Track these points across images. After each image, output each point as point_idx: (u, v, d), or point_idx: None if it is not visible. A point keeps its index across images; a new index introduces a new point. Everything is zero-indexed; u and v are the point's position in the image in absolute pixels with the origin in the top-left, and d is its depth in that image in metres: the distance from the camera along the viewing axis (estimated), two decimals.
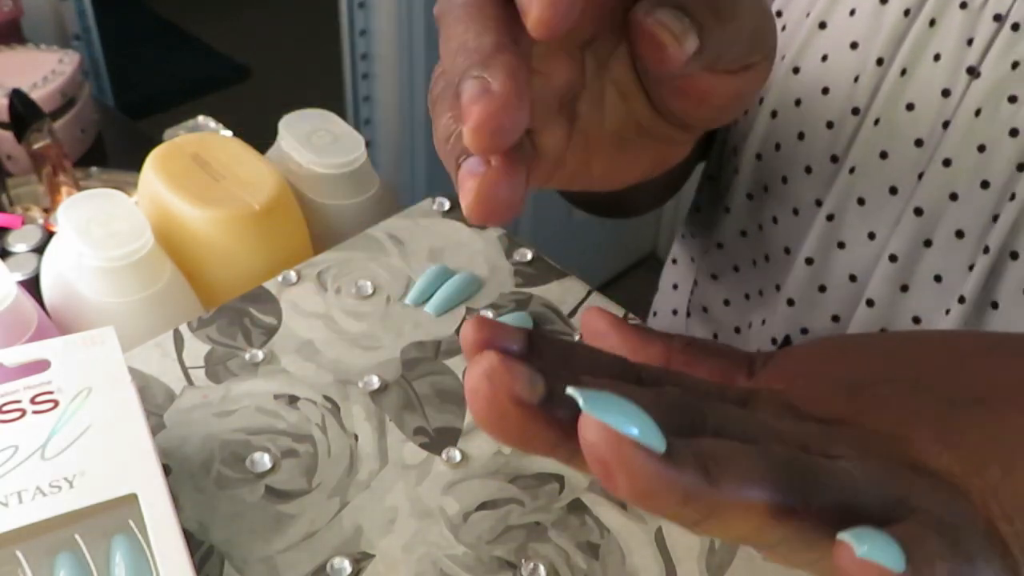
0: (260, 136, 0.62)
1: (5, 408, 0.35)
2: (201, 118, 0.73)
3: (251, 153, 0.55)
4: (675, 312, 0.68)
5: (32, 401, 0.35)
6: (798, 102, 0.52)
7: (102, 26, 1.02)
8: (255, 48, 2.47)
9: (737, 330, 0.62)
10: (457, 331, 0.47)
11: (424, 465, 0.41)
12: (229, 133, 0.69)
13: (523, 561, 0.37)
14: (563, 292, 0.50)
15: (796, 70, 0.52)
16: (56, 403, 0.36)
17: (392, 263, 0.51)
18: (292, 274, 0.49)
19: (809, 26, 0.52)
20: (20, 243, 0.57)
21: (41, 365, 0.37)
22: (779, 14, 0.55)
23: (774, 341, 0.57)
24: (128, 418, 0.36)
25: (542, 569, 0.37)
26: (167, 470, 0.40)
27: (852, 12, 0.50)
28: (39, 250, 0.56)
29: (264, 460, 0.40)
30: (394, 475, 0.40)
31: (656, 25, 0.28)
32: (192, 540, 0.37)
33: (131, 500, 0.33)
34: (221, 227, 0.51)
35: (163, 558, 0.32)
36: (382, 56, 1.30)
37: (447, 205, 0.54)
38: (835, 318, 0.53)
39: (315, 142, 0.56)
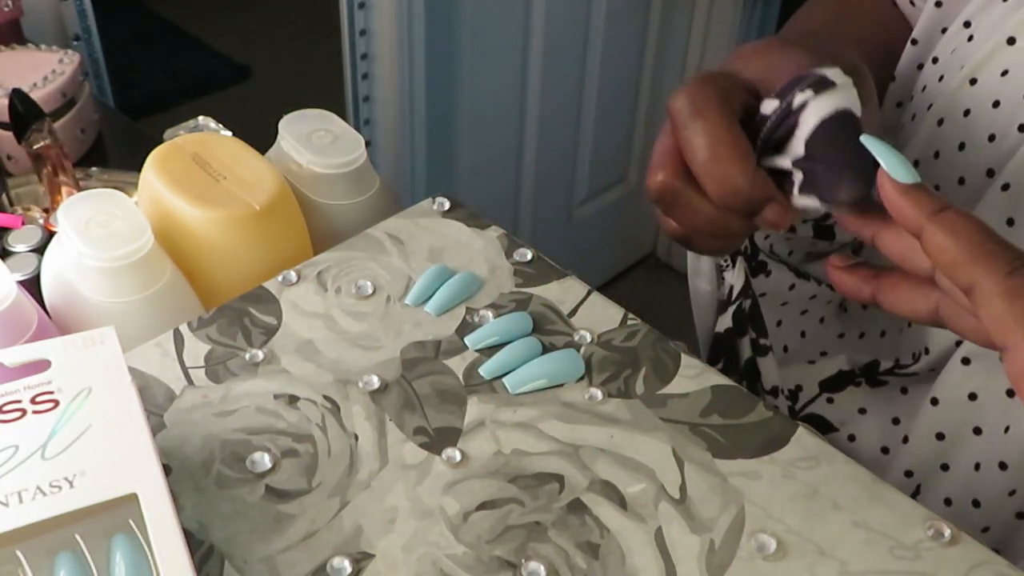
0: (260, 136, 0.62)
1: (5, 408, 0.35)
2: (201, 118, 0.73)
3: (251, 153, 0.55)
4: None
5: (32, 401, 0.35)
6: (967, 112, 0.53)
7: (102, 26, 1.02)
8: (255, 48, 2.46)
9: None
10: (457, 331, 0.47)
11: (424, 465, 0.41)
12: (229, 133, 0.69)
13: (523, 561, 0.37)
14: (563, 292, 0.50)
15: (973, 81, 0.53)
16: (56, 403, 0.36)
17: (392, 263, 0.51)
18: (292, 274, 0.49)
19: (997, 40, 0.52)
20: (20, 243, 0.57)
21: (41, 365, 0.37)
22: (967, 24, 0.56)
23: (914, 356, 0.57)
24: (128, 418, 0.36)
25: (542, 569, 0.37)
26: (167, 470, 0.40)
27: (1004, 73, 0.50)
28: (39, 250, 0.56)
29: (264, 460, 0.40)
30: (394, 475, 0.40)
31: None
32: (192, 540, 0.37)
33: (131, 500, 0.33)
34: (221, 227, 0.51)
35: (163, 558, 0.32)
36: (382, 56, 1.30)
37: (447, 205, 0.54)
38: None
39: (315, 142, 0.56)
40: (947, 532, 0.38)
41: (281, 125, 0.58)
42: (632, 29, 1.60)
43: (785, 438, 0.42)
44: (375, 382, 0.44)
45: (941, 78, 0.56)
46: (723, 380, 0.45)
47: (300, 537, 0.38)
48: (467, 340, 0.46)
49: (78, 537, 0.32)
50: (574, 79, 1.57)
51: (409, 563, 0.37)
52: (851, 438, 0.57)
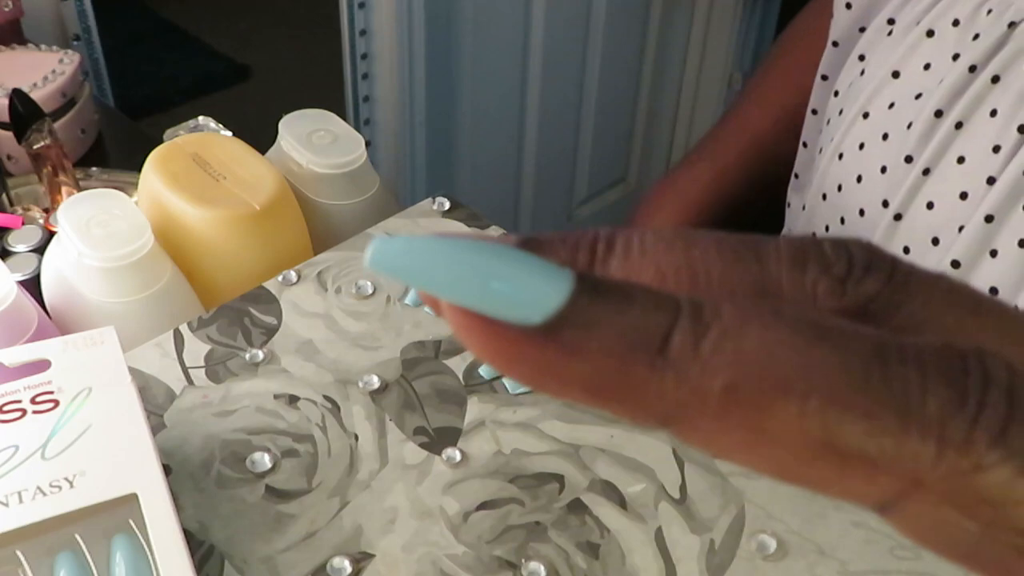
0: (260, 136, 0.62)
1: (5, 408, 0.35)
2: (201, 118, 0.73)
3: (251, 153, 0.55)
4: None
5: (32, 401, 0.35)
6: (862, 146, 0.54)
7: (102, 26, 1.02)
8: (255, 48, 2.46)
9: None
10: None
11: (424, 465, 0.41)
12: (229, 133, 0.69)
13: (523, 561, 0.37)
14: None
15: (866, 115, 0.54)
16: (56, 403, 0.36)
17: None
18: (292, 274, 0.49)
19: (884, 74, 0.53)
20: (20, 243, 0.57)
21: (41, 365, 0.37)
22: (862, 58, 0.57)
23: None
24: (128, 418, 0.36)
25: (542, 569, 0.37)
26: (167, 470, 0.40)
27: (927, 66, 0.51)
28: (39, 250, 0.56)
29: (264, 460, 0.40)
30: (394, 475, 0.40)
31: None
32: (192, 540, 0.37)
33: (131, 500, 0.33)
34: (221, 227, 0.51)
35: (163, 558, 0.32)
36: (382, 56, 1.30)
37: (447, 205, 0.54)
38: None
39: (315, 142, 0.56)
40: None
41: (281, 125, 0.58)
42: (632, 29, 1.60)
43: None
44: (375, 382, 0.44)
45: (841, 112, 0.57)
46: None
47: (300, 537, 0.38)
48: None
49: (78, 537, 0.32)
50: (574, 79, 1.57)
51: (409, 563, 0.37)
52: None
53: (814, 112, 0.64)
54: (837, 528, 0.39)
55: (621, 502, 0.40)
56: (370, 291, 0.49)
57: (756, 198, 0.70)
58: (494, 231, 0.53)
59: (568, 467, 0.41)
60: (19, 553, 0.32)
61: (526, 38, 1.46)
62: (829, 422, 0.14)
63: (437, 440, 0.42)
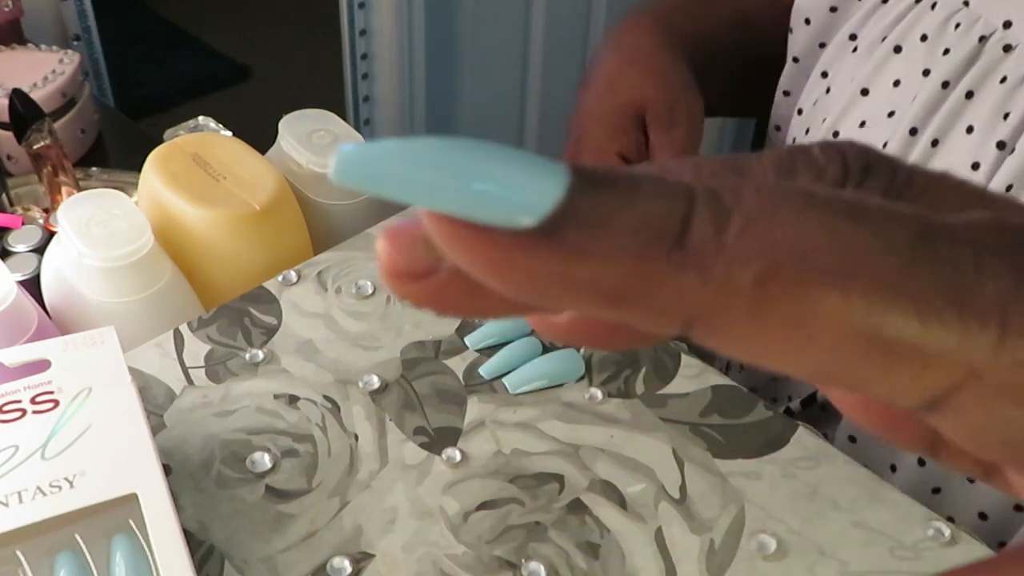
0: (260, 136, 0.62)
1: (5, 408, 0.35)
2: (201, 118, 0.73)
3: (251, 153, 0.55)
4: None
5: (32, 401, 0.35)
6: None
7: (102, 26, 1.02)
8: (255, 49, 2.46)
9: None
10: (457, 331, 0.47)
11: (424, 465, 0.41)
12: (229, 133, 0.69)
13: (523, 561, 0.37)
14: None
15: (835, 134, 0.53)
16: (56, 403, 0.36)
17: None
18: (292, 274, 0.49)
19: (852, 92, 0.52)
20: (20, 243, 0.57)
21: (41, 365, 0.37)
22: (824, 75, 0.56)
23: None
24: (128, 418, 0.36)
25: (542, 569, 0.37)
26: (167, 470, 0.40)
27: (897, 83, 0.51)
28: (39, 250, 0.56)
29: (264, 460, 0.40)
30: (394, 475, 0.40)
31: None
32: (192, 540, 0.37)
33: (131, 500, 0.33)
34: (221, 227, 0.51)
35: (163, 558, 0.32)
36: (382, 56, 1.30)
37: None
38: None
39: (315, 142, 0.56)
40: (947, 532, 0.38)
41: (281, 125, 0.58)
42: None
43: (785, 438, 0.42)
44: (375, 382, 0.44)
45: (807, 131, 0.57)
46: (723, 380, 0.45)
47: (300, 537, 0.38)
48: (467, 340, 0.46)
49: (78, 537, 0.32)
50: (574, 79, 1.57)
51: (409, 563, 0.37)
52: (851, 439, 0.57)
53: (777, 128, 0.62)
54: (837, 528, 0.39)
55: (621, 502, 0.40)
56: (370, 291, 0.49)
57: (745, 78, 0.66)
58: None
59: (568, 467, 0.41)
60: (19, 553, 0.32)
61: (526, 38, 1.46)
62: (876, 311, 0.12)
63: (437, 440, 0.42)
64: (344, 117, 0.64)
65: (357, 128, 1.24)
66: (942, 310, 0.12)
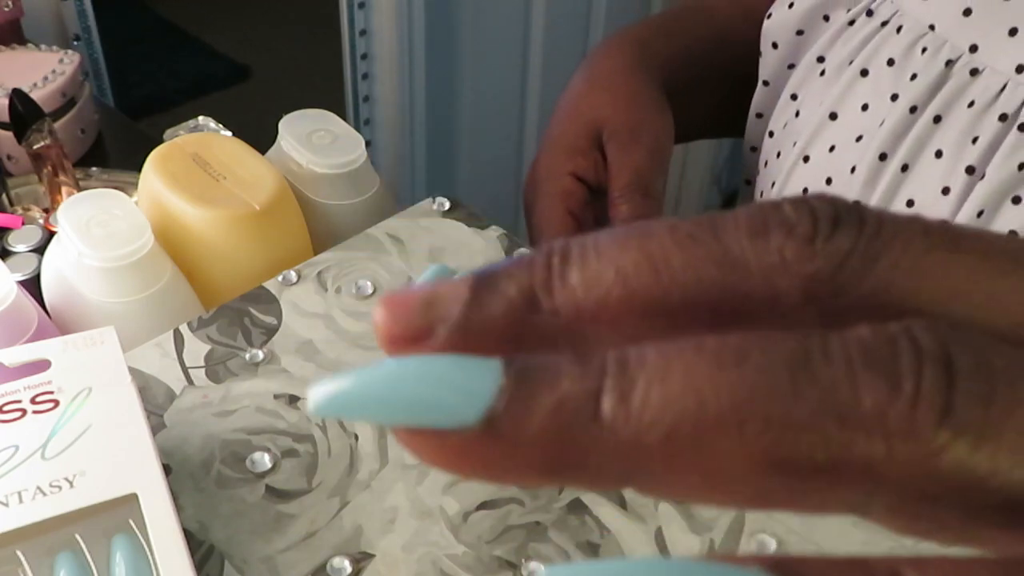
0: (260, 136, 0.62)
1: (5, 408, 0.35)
2: (201, 118, 0.73)
3: (251, 153, 0.55)
4: None
5: (32, 401, 0.35)
6: (805, 190, 0.53)
7: (102, 26, 1.02)
8: (255, 48, 2.46)
9: None
10: None
11: (424, 465, 0.41)
12: (229, 133, 0.69)
13: (523, 561, 0.37)
14: None
15: (806, 159, 0.53)
16: (56, 403, 0.36)
17: (392, 263, 0.51)
18: (292, 274, 0.49)
19: (821, 116, 0.52)
20: (20, 243, 0.57)
21: (41, 365, 0.37)
22: (794, 97, 0.56)
23: None
24: (128, 418, 0.36)
25: (542, 569, 0.37)
26: (167, 470, 0.40)
27: (865, 107, 0.50)
28: (39, 250, 0.56)
29: (264, 460, 0.40)
30: (394, 475, 0.40)
31: None
32: (192, 540, 0.37)
33: (131, 500, 0.33)
34: (221, 227, 0.51)
35: (163, 558, 0.32)
36: (382, 56, 1.30)
37: (447, 205, 0.54)
38: None
39: (315, 142, 0.56)
40: None
41: (281, 125, 0.58)
42: None
43: None
44: None
45: (779, 154, 0.56)
46: None
47: (300, 537, 0.38)
48: None
49: (78, 537, 0.32)
50: None
51: (409, 563, 0.37)
52: None
53: (753, 150, 0.62)
54: (837, 528, 0.39)
55: (621, 502, 0.40)
56: (370, 291, 0.49)
57: (730, 98, 0.65)
58: (494, 231, 0.53)
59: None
60: (19, 553, 0.32)
61: (526, 38, 1.46)
62: (771, 444, 0.13)
63: None
64: (344, 117, 0.64)
65: (357, 128, 1.24)
66: (829, 432, 0.13)
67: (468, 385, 0.14)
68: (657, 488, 0.14)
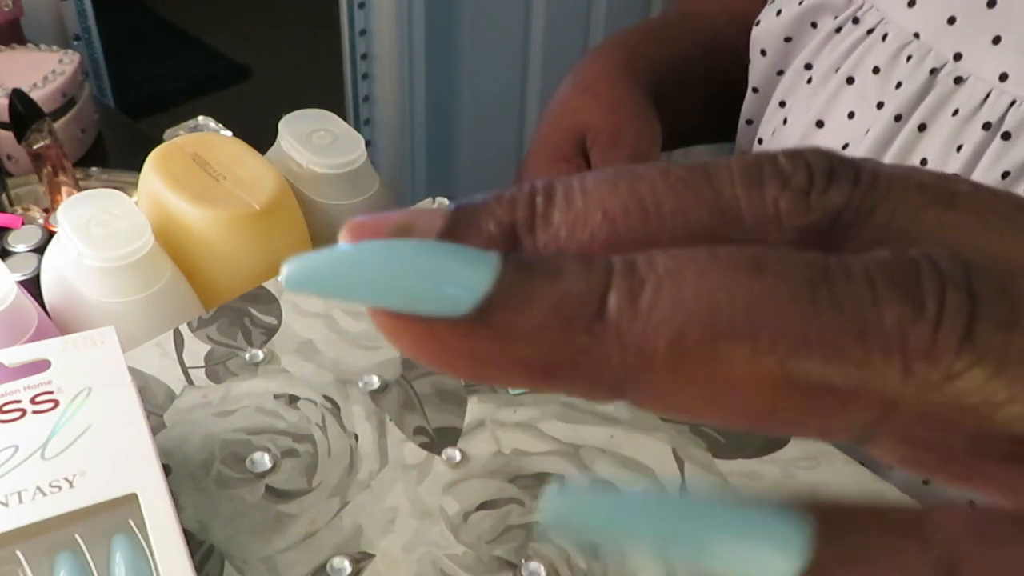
0: (260, 136, 0.62)
1: (5, 408, 0.35)
2: (201, 118, 0.73)
3: (251, 153, 0.55)
4: None
5: (32, 401, 0.35)
6: None
7: (102, 26, 1.02)
8: (255, 48, 2.46)
9: None
10: None
11: (424, 465, 0.41)
12: (229, 133, 0.69)
13: (523, 561, 0.37)
14: None
15: None
16: (56, 403, 0.36)
17: None
18: None
19: (807, 123, 0.52)
20: (20, 243, 0.57)
21: (41, 365, 0.37)
22: (783, 104, 0.56)
23: None
24: (128, 418, 0.36)
25: (542, 569, 0.37)
26: (167, 470, 0.40)
27: (851, 115, 0.50)
28: (39, 250, 0.56)
29: (264, 460, 0.40)
30: (394, 475, 0.40)
31: None
32: (192, 540, 0.37)
33: (131, 500, 0.33)
34: (221, 227, 0.51)
35: (163, 558, 0.32)
36: (382, 56, 1.30)
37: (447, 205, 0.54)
38: None
39: (315, 142, 0.56)
40: None
41: (281, 125, 0.58)
42: None
43: (785, 438, 0.42)
44: (375, 382, 0.44)
45: None
46: None
47: (300, 537, 0.38)
48: None
49: (78, 537, 0.32)
50: None
51: (409, 563, 0.37)
52: None
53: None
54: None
55: None
56: None
57: (721, 103, 0.65)
58: None
59: (568, 467, 0.41)
60: (19, 553, 0.32)
61: (526, 38, 1.46)
62: (785, 357, 0.13)
63: (437, 440, 0.42)
64: (344, 117, 0.64)
65: (357, 128, 1.24)
66: (847, 349, 0.13)
67: (463, 272, 0.13)
68: (654, 399, 0.13)
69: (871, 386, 0.13)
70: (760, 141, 0.58)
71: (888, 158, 0.48)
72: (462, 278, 0.13)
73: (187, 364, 0.45)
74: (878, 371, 0.13)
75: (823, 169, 0.14)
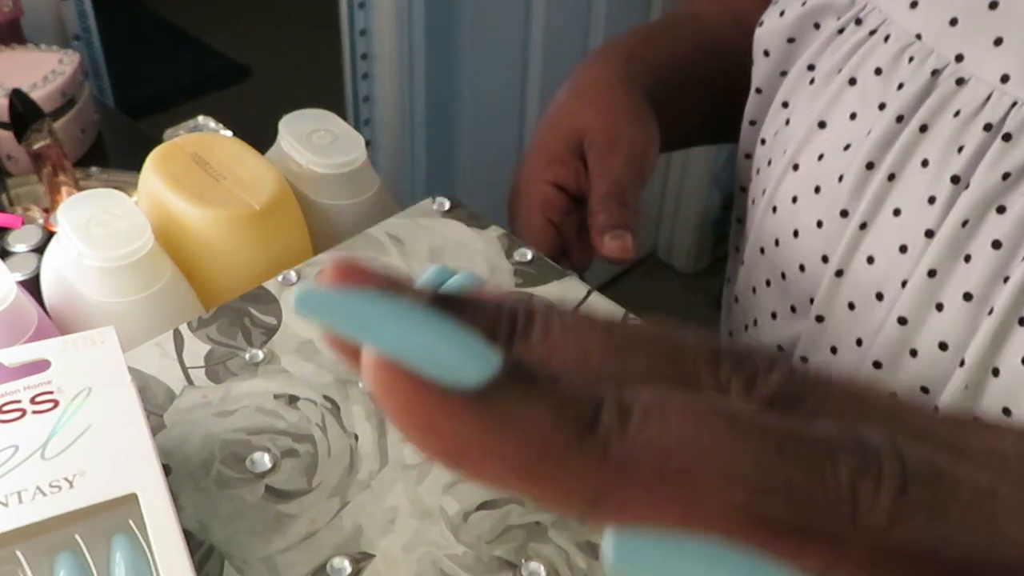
0: (260, 136, 0.62)
1: (5, 408, 0.35)
2: (201, 118, 0.73)
3: (251, 153, 0.55)
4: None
5: (32, 401, 0.35)
6: (795, 199, 0.53)
7: (102, 26, 1.02)
8: (255, 48, 2.46)
9: None
10: None
11: (424, 465, 0.41)
12: (229, 133, 0.69)
13: (523, 561, 0.37)
14: (563, 292, 0.50)
15: (796, 167, 0.52)
16: (56, 403, 0.36)
17: (392, 263, 0.51)
18: (292, 274, 0.49)
19: (809, 124, 0.52)
20: (20, 243, 0.57)
21: (41, 365, 0.37)
22: (785, 105, 0.56)
23: None
24: (128, 418, 0.36)
25: (542, 569, 0.37)
26: (167, 470, 0.40)
27: (853, 116, 0.50)
28: (39, 250, 0.56)
29: (264, 460, 0.40)
30: (394, 475, 0.40)
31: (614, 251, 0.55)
32: (192, 540, 0.37)
33: (131, 500, 0.33)
34: (221, 227, 0.51)
35: (163, 558, 0.32)
36: (382, 56, 1.30)
37: (447, 205, 0.54)
38: None
39: (315, 142, 0.56)
40: None
41: (281, 125, 0.58)
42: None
43: None
44: None
45: (769, 162, 0.56)
46: None
47: (300, 537, 0.38)
48: None
49: (78, 537, 0.32)
50: None
51: (409, 563, 0.37)
52: None
53: (747, 156, 0.62)
54: None
55: None
56: None
57: (722, 105, 0.65)
58: (494, 231, 0.53)
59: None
60: (19, 553, 0.32)
61: (526, 38, 1.46)
62: (754, 495, 0.14)
63: None
64: (344, 117, 0.64)
65: (357, 128, 1.24)
66: (806, 496, 0.15)
67: (476, 349, 0.14)
68: (623, 515, 0.15)
69: (826, 526, 0.15)
70: (763, 142, 0.57)
71: (889, 158, 0.48)
72: (476, 353, 0.14)
73: (187, 364, 0.45)
74: (833, 512, 0.15)
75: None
